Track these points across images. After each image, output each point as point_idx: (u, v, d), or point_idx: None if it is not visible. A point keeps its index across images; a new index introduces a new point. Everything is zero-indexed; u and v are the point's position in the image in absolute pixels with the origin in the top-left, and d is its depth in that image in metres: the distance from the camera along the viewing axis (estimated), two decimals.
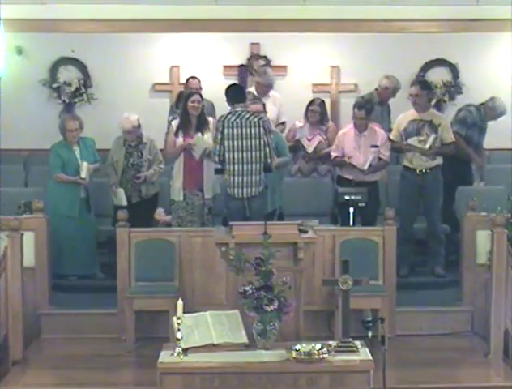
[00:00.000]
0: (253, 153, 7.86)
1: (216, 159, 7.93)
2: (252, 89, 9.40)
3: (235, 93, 8.08)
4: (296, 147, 9.17)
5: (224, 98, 8.16)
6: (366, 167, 8.56)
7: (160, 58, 10.83)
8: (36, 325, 7.80)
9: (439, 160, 8.66)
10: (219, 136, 7.86)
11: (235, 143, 7.83)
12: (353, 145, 8.67)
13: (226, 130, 7.84)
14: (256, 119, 7.91)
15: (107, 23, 10.48)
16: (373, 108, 8.84)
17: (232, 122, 7.85)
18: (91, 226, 8.64)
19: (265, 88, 9.45)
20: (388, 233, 7.78)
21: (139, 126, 8.58)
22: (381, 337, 5.67)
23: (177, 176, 8.26)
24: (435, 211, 8.62)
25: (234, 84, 8.79)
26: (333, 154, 8.82)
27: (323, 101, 9.37)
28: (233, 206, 7.90)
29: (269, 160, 7.91)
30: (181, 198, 8.20)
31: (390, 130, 9.18)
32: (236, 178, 7.85)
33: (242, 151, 7.84)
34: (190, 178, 8.23)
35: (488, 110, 9.30)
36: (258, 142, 7.86)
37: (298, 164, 9.21)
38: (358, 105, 8.71)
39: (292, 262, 6.35)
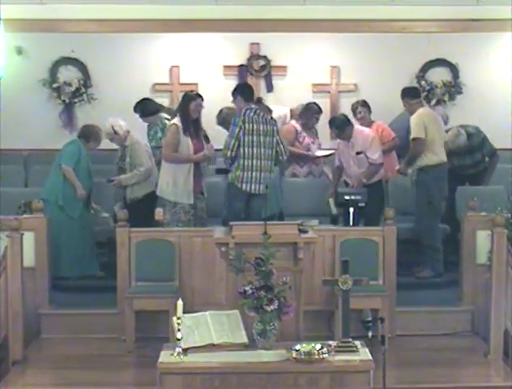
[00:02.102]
0: (267, 150, 7.88)
1: (229, 153, 7.84)
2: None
3: (247, 91, 8.06)
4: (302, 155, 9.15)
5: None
6: (351, 183, 8.59)
7: (160, 58, 10.84)
8: (36, 325, 7.79)
9: (421, 162, 8.35)
10: (236, 130, 7.80)
11: (252, 138, 7.81)
12: (345, 156, 8.67)
13: (247, 125, 7.80)
14: (269, 117, 8.05)
15: (107, 23, 10.49)
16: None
17: (252, 117, 7.84)
18: (89, 226, 8.62)
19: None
20: (388, 233, 7.77)
21: (116, 132, 8.50)
22: (381, 337, 5.66)
23: (186, 179, 8.01)
24: (417, 213, 8.48)
25: (244, 83, 8.95)
26: (336, 162, 8.86)
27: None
28: (236, 206, 7.88)
29: (280, 158, 8.00)
30: (192, 202, 8.07)
31: None
32: (247, 173, 7.82)
33: (258, 147, 7.82)
34: (195, 182, 8.14)
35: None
36: (271, 139, 7.88)
37: (292, 169, 9.18)
38: (329, 123, 8.77)
39: (292, 262, 6.33)
